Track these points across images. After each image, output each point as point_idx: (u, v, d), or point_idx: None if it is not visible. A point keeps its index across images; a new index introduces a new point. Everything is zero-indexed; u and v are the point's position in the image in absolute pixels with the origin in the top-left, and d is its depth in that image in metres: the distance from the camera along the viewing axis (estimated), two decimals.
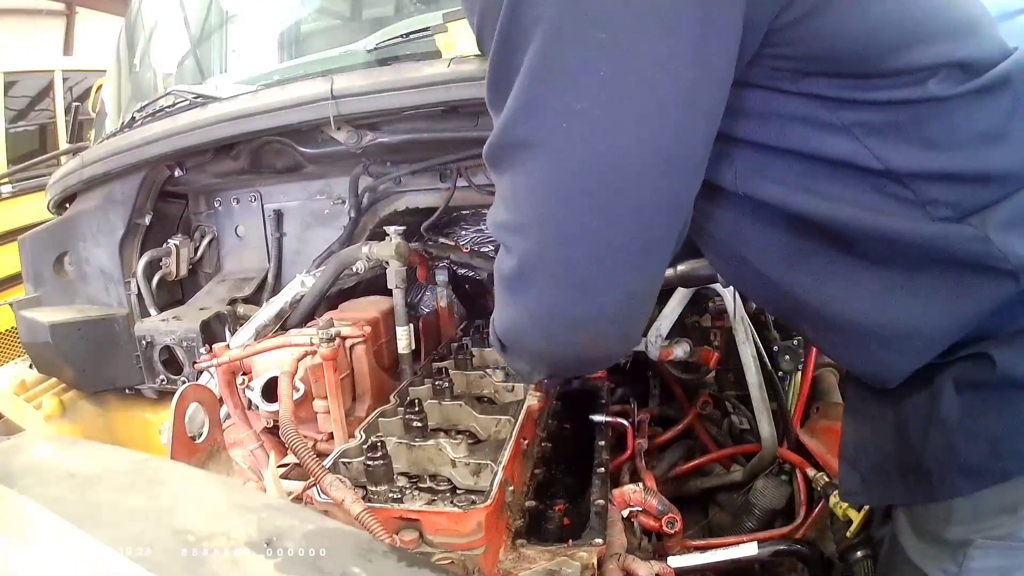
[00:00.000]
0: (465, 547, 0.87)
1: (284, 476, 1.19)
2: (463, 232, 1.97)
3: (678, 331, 1.67)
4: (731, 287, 1.53)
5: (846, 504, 1.32)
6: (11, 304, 2.17)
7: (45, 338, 1.93)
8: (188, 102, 1.79)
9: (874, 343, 0.77)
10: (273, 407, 1.30)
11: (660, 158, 0.63)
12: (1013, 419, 0.71)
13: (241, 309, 1.91)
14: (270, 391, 1.33)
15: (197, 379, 1.58)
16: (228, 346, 1.45)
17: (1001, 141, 0.69)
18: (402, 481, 1.05)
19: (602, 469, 1.16)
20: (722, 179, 0.75)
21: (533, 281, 0.71)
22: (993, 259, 0.67)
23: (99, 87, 3.47)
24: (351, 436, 1.17)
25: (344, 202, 1.92)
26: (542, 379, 1.12)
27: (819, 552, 1.39)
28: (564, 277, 0.68)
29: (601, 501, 1.06)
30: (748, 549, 1.25)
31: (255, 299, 2.01)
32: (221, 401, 1.35)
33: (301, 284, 1.68)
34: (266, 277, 2.06)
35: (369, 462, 0.95)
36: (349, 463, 1.02)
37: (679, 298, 1.60)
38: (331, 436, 1.34)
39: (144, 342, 1.84)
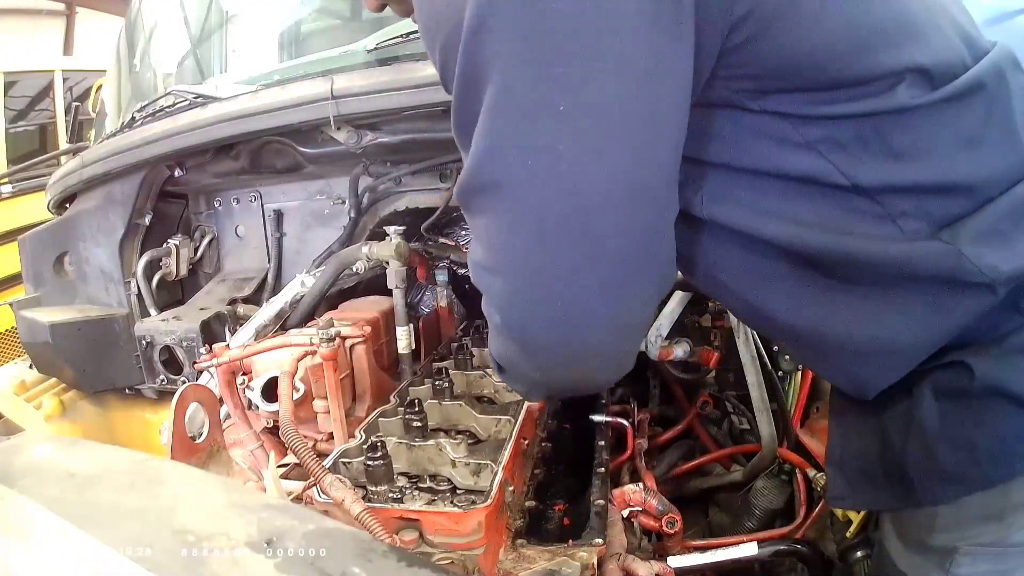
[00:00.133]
0: (465, 547, 0.87)
1: (284, 476, 1.18)
2: (463, 232, 1.97)
3: (678, 331, 1.67)
4: None
5: None
6: (11, 304, 2.18)
7: (45, 338, 1.93)
8: (188, 102, 1.80)
9: (850, 359, 0.77)
10: (273, 407, 1.30)
11: (626, 189, 0.62)
12: (993, 426, 0.70)
13: (241, 309, 1.91)
14: (270, 391, 1.33)
15: (197, 379, 1.58)
16: (228, 346, 1.45)
17: (974, 148, 0.68)
18: (402, 481, 1.05)
19: (602, 469, 1.16)
20: (690, 204, 0.75)
21: (516, 321, 0.70)
22: (967, 274, 0.66)
23: (99, 87, 3.47)
24: (351, 436, 1.17)
25: (344, 202, 1.92)
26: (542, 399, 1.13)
27: (819, 552, 1.38)
28: (546, 316, 0.67)
29: (601, 501, 1.06)
30: (748, 549, 1.25)
31: (255, 299, 2.01)
32: (221, 401, 1.35)
33: (301, 284, 1.68)
34: (266, 277, 2.06)
35: (369, 462, 0.95)
36: (349, 463, 1.02)
37: (679, 298, 1.60)
38: (331, 436, 1.34)
39: (144, 342, 1.84)
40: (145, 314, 2.02)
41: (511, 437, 1.09)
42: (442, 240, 1.90)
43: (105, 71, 3.08)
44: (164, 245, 2.09)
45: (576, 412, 1.42)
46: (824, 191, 0.69)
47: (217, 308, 1.86)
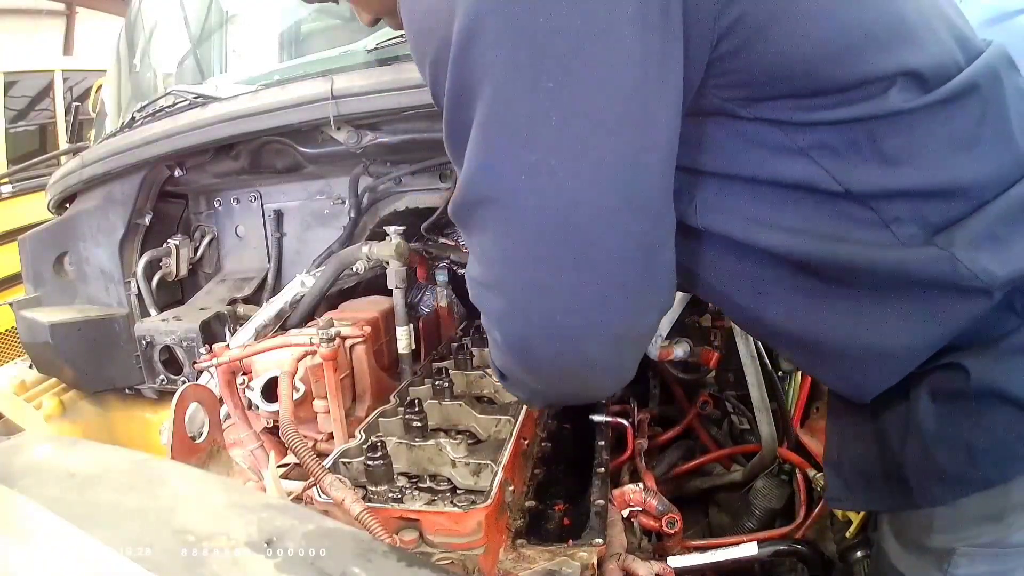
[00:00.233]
0: (465, 547, 0.87)
1: (284, 476, 1.18)
2: None
3: (678, 331, 1.67)
4: None
5: None
6: (11, 304, 2.18)
7: (45, 338, 1.93)
8: (188, 102, 1.80)
9: (846, 364, 0.77)
10: (273, 407, 1.30)
11: (620, 201, 0.61)
12: (990, 427, 0.70)
13: (241, 309, 1.91)
14: (270, 391, 1.33)
15: (197, 379, 1.58)
16: (228, 346, 1.45)
17: (968, 150, 0.68)
18: (402, 481, 1.05)
19: (602, 469, 1.16)
20: (684, 215, 0.75)
21: (516, 338, 0.69)
22: (962, 278, 0.66)
23: (99, 87, 3.47)
24: (351, 436, 1.17)
25: (344, 202, 1.92)
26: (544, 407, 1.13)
27: (819, 552, 1.39)
28: (544, 330, 0.67)
29: (601, 501, 1.06)
30: (748, 549, 1.25)
31: (255, 299, 2.01)
32: (221, 401, 1.35)
33: (301, 284, 1.68)
34: (266, 277, 2.06)
35: (369, 462, 0.95)
36: (349, 463, 1.02)
37: (679, 298, 1.60)
38: (331, 436, 1.34)
39: (144, 342, 1.84)
40: (145, 314, 2.02)
41: (511, 437, 1.09)
42: (442, 240, 1.90)
43: (105, 71, 3.08)
44: (164, 245, 2.09)
45: (576, 412, 1.42)
46: (818, 198, 0.69)
47: (217, 308, 1.86)
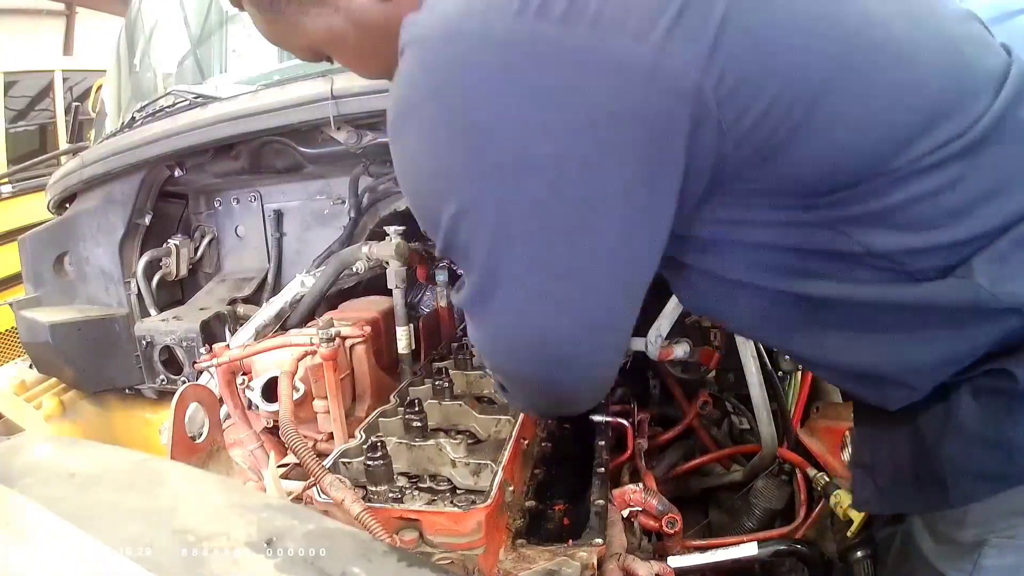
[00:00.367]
0: (465, 547, 0.87)
1: (284, 476, 1.18)
2: None
3: (678, 331, 1.67)
4: None
5: (846, 504, 1.32)
6: (11, 304, 2.18)
7: (45, 338, 1.93)
8: (188, 102, 1.80)
9: (875, 381, 0.78)
10: (273, 407, 1.30)
11: (588, 331, 0.70)
12: None
13: (241, 309, 1.91)
14: (270, 391, 1.33)
15: (197, 379, 1.58)
16: (228, 346, 1.45)
17: (995, 196, 0.67)
18: (402, 481, 1.05)
19: (602, 469, 1.16)
20: (710, 267, 0.78)
21: (508, 385, 0.82)
22: (986, 303, 0.67)
23: (99, 87, 3.47)
24: (351, 436, 1.17)
25: (344, 202, 1.92)
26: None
27: (819, 552, 1.38)
28: (530, 388, 0.79)
29: (601, 501, 1.05)
30: (748, 549, 1.25)
31: (255, 299, 2.01)
32: (221, 401, 1.35)
33: (301, 284, 1.68)
34: (266, 277, 2.06)
35: (369, 462, 0.95)
36: (349, 463, 1.02)
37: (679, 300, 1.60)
38: (331, 436, 1.34)
39: (144, 342, 1.84)
40: (145, 314, 2.02)
41: (511, 437, 1.09)
42: None
43: (105, 71, 3.08)
44: (164, 245, 2.09)
45: None
46: (839, 255, 0.71)
47: (217, 308, 1.86)
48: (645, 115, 0.62)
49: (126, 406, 2.13)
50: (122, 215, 2.03)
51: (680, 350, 1.62)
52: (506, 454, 1.02)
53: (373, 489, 0.94)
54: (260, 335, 1.57)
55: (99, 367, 2.01)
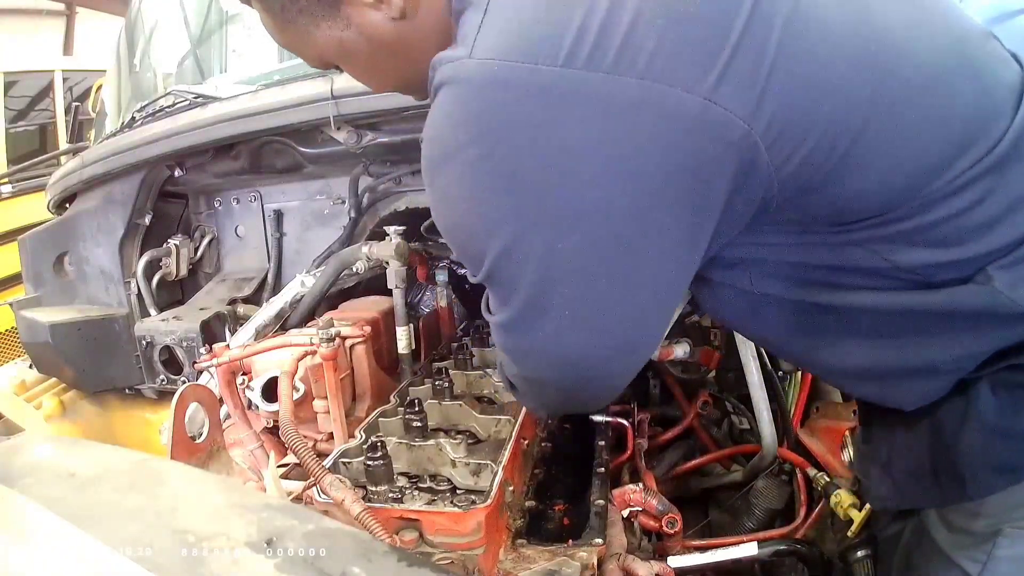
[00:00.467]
0: (465, 547, 0.87)
1: (284, 476, 1.18)
2: None
3: (678, 331, 1.67)
4: None
5: (847, 504, 1.32)
6: (11, 304, 2.18)
7: (45, 338, 1.93)
8: (188, 102, 1.80)
9: (891, 384, 0.80)
10: (273, 407, 1.30)
11: (617, 354, 0.75)
12: None
13: (241, 309, 1.91)
14: (270, 391, 1.33)
15: (197, 379, 1.58)
16: (228, 346, 1.45)
17: (1016, 210, 0.69)
18: (402, 481, 1.05)
19: (602, 469, 1.16)
20: (737, 281, 0.81)
21: (524, 386, 0.85)
22: (1004, 307, 0.69)
23: (99, 87, 3.47)
24: (351, 436, 1.17)
25: (344, 202, 1.92)
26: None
27: (819, 552, 1.38)
28: (550, 392, 0.82)
29: (601, 501, 1.05)
30: (748, 549, 1.25)
31: (255, 299, 2.01)
32: (221, 401, 1.35)
33: (301, 284, 1.68)
34: (266, 277, 2.06)
35: (369, 462, 0.95)
36: (349, 463, 1.02)
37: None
38: (331, 436, 1.34)
39: (144, 342, 1.84)
40: (145, 314, 2.02)
41: (511, 437, 1.09)
42: (442, 240, 1.90)
43: (105, 71, 3.08)
44: (164, 245, 2.09)
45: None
46: (864, 270, 0.73)
47: (217, 308, 1.86)
48: (693, 164, 0.63)
49: (126, 406, 2.13)
50: (122, 215, 2.03)
51: (680, 350, 1.62)
52: (506, 454, 1.02)
53: (373, 489, 0.94)
54: (260, 335, 1.57)
55: (99, 367, 2.01)
